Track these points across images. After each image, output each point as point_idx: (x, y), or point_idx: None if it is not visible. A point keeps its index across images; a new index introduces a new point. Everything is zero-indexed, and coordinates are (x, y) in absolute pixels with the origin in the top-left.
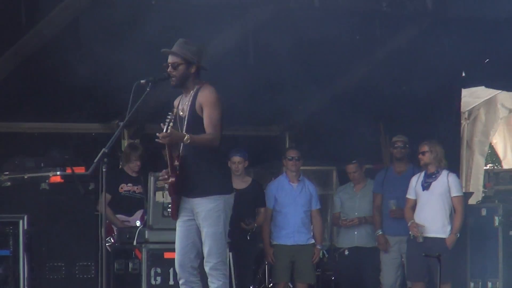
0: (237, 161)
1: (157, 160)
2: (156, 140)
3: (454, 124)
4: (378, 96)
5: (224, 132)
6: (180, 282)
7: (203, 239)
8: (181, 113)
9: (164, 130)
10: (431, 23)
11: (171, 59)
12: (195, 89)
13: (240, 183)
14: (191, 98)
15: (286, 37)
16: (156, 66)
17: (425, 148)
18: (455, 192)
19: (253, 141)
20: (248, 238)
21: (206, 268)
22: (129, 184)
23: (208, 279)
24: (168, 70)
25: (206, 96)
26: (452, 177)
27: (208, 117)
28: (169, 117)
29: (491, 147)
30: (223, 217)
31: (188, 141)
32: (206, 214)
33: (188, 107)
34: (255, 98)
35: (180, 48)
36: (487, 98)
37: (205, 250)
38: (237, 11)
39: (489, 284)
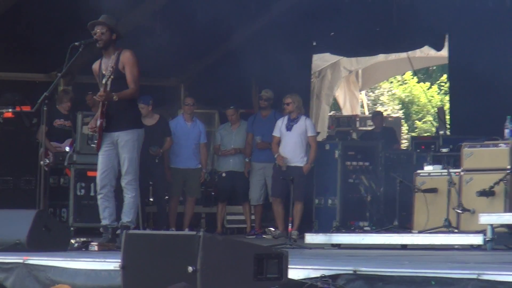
0: (141, 107)
1: (83, 102)
2: (94, 97)
3: (306, 81)
4: (253, 58)
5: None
6: (100, 196)
7: (121, 162)
8: (104, 72)
9: (101, 91)
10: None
11: (98, 28)
12: (116, 53)
13: (150, 120)
14: (114, 59)
15: (187, 11)
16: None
17: (289, 100)
18: (310, 133)
19: (157, 89)
20: (156, 161)
21: (123, 183)
22: (61, 119)
23: (124, 192)
24: (96, 35)
25: (128, 58)
26: (309, 121)
27: (130, 74)
28: (104, 79)
29: (335, 98)
30: (137, 145)
31: (116, 99)
32: (125, 143)
33: (113, 67)
34: (159, 55)
35: (105, 20)
36: (332, 61)
37: (123, 170)
38: None
39: (329, 200)
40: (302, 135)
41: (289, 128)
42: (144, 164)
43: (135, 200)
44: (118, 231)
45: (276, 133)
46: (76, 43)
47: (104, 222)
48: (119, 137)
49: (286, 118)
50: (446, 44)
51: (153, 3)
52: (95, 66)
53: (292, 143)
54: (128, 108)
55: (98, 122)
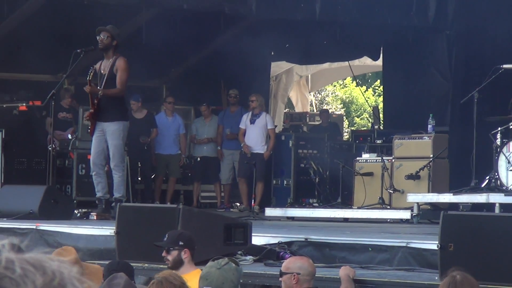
0: (132, 103)
1: (85, 96)
2: (84, 88)
3: (266, 83)
4: (222, 64)
5: (130, 83)
6: (93, 173)
7: (109, 148)
8: (103, 71)
9: (89, 85)
10: (250, 25)
11: (103, 33)
12: (113, 58)
13: (140, 114)
14: (111, 63)
15: (169, 26)
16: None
17: (253, 98)
18: (270, 126)
19: (144, 89)
20: (145, 148)
21: (112, 166)
22: (63, 112)
23: (113, 173)
24: (100, 39)
25: (121, 64)
26: (268, 116)
27: (120, 78)
28: (91, 73)
29: (289, 98)
30: (122, 135)
31: (101, 94)
32: (112, 133)
33: (108, 68)
34: (147, 62)
35: (110, 28)
36: (287, 68)
37: (111, 155)
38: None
39: (285, 181)
40: (263, 127)
41: (252, 122)
42: (135, 149)
43: (123, 179)
44: (113, 204)
45: (242, 126)
46: (78, 50)
47: (98, 194)
48: (107, 127)
49: (250, 113)
50: (381, 54)
51: (141, 19)
52: (97, 65)
53: (255, 134)
54: (116, 103)
55: (89, 112)
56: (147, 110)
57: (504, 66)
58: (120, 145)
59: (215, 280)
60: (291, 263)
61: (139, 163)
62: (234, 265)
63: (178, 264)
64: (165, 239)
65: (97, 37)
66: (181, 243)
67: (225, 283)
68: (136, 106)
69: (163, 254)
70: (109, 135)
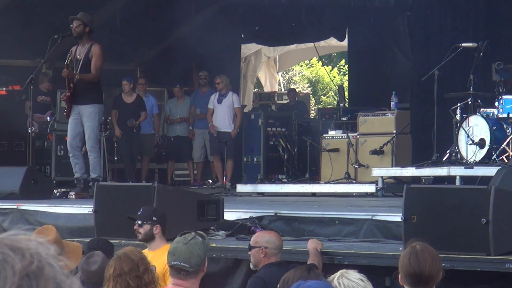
0: (125, 83)
1: (63, 80)
2: (62, 72)
3: (236, 65)
4: (194, 46)
5: (105, 67)
6: (70, 155)
7: (85, 130)
8: (78, 56)
9: (69, 70)
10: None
11: (75, 22)
12: (89, 44)
13: (130, 98)
14: (86, 49)
15: (141, 11)
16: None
17: (218, 80)
18: (236, 104)
19: (119, 72)
20: (135, 130)
21: (87, 147)
22: (42, 96)
23: (88, 154)
24: (73, 27)
25: (96, 50)
26: (235, 96)
27: (94, 64)
28: (69, 57)
29: (258, 79)
30: (97, 117)
31: (78, 77)
32: (88, 115)
33: (84, 54)
34: (121, 46)
35: (81, 16)
36: (256, 50)
37: (86, 136)
38: None
39: (255, 158)
40: (230, 107)
41: (219, 101)
42: (124, 132)
43: (98, 160)
44: (90, 183)
45: (210, 106)
46: (55, 36)
47: (76, 175)
48: (83, 109)
49: (217, 93)
50: (347, 35)
51: (116, 4)
52: (73, 49)
53: (222, 113)
54: (91, 87)
55: (66, 95)
56: (136, 94)
57: (463, 44)
58: (95, 126)
59: (182, 255)
60: (259, 237)
61: (127, 145)
62: (200, 238)
63: (148, 238)
64: (139, 213)
65: (70, 26)
66: (154, 218)
67: (191, 258)
68: (128, 87)
69: (135, 227)
70: (85, 117)
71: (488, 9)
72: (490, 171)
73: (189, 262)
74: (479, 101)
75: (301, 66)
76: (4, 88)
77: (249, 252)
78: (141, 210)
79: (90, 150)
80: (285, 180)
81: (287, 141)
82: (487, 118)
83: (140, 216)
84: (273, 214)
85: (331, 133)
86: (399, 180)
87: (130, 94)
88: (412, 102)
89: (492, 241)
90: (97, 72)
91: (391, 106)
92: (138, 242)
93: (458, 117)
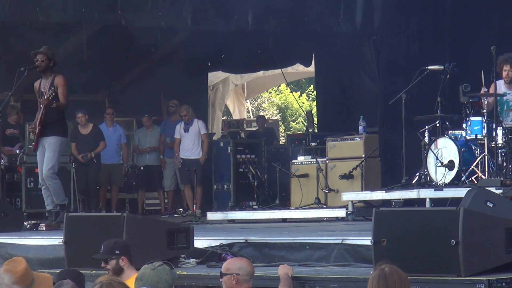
0: (80, 116)
1: (31, 113)
2: (39, 101)
3: (204, 93)
4: (161, 76)
5: (73, 98)
6: (42, 187)
7: (45, 159)
8: (43, 90)
9: (45, 98)
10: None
11: (39, 56)
12: (52, 76)
13: (86, 130)
14: (50, 81)
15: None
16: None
17: (184, 112)
18: (203, 131)
19: (87, 103)
20: (95, 161)
21: (45, 175)
22: (11, 129)
23: (47, 182)
24: (37, 62)
25: (60, 80)
26: (201, 122)
27: (62, 92)
28: (48, 92)
29: (226, 106)
30: (59, 149)
31: (55, 106)
32: (49, 145)
33: (48, 86)
34: (88, 77)
35: (45, 51)
36: (223, 77)
37: (45, 165)
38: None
39: (225, 185)
40: (197, 134)
41: (186, 130)
42: (83, 163)
43: (58, 185)
44: (58, 209)
45: (177, 135)
46: (22, 68)
47: (48, 208)
48: (46, 140)
49: (182, 123)
50: (313, 61)
51: (82, 36)
52: (36, 84)
53: (190, 141)
54: (56, 120)
55: (37, 129)
56: (93, 124)
57: (430, 67)
58: (54, 157)
59: (150, 280)
60: (230, 264)
61: (86, 175)
62: (167, 267)
63: (118, 272)
64: (102, 250)
65: (34, 60)
66: (117, 251)
67: (159, 282)
68: (83, 119)
69: (102, 265)
70: (46, 147)
71: (453, 31)
72: (460, 192)
73: (157, 287)
74: (447, 123)
75: (270, 92)
76: None
77: (221, 279)
78: (102, 247)
79: (47, 178)
80: (255, 206)
81: (257, 167)
82: (455, 140)
83: (102, 254)
84: (243, 240)
85: (300, 158)
86: (369, 204)
87: (86, 126)
88: (381, 126)
89: (462, 262)
90: (66, 100)
91: (359, 130)
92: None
93: (426, 139)
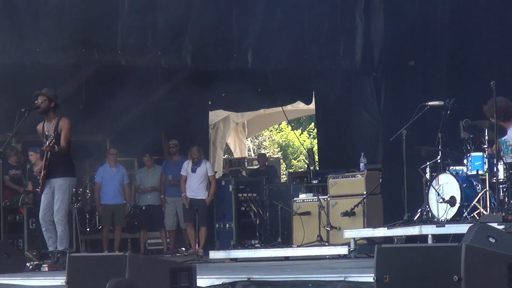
0: (30, 154)
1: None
2: (43, 148)
3: (205, 132)
4: (162, 116)
5: (75, 138)
6: (43, 229)
7: (55, 202)
8: (47, 133)
9: (48, 144)
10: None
11: (40, 97)
12: (56, 119)
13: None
14: (54, 124)
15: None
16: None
17: (195, 155)
18: (210, 173)
19: (88, 143)
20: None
21: (55, 219)
22: (13, 170)
23: (56, 226)
24: (38, 103)
25: (65, 124)
26: (208, 164)
27: (64, 136)
28: (50, 137)
29: (227, 145)
30: (69, 190)
31: (57, 149)
32: (59, 187)
33: (53, 129)
34: (89, 118)
35: (46, 92)
36: (224, 116)
37: (55, 208)
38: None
39: (227, 224)
40: (204, 175)
41: (194, 170)
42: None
43: (66, 232)
44: (58, 255)
45: (183, 173)
46: (22, 109)
47: (50, 249)
48: (55, 182)
49: (191, 161)
50: (313, 98)
51: (82, 77)
52: (39, 127)
53: (196, 181)
54: (63, 161)
55: (42, 173)
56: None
57: (430, 103)
58: (65, 199)
59: None
60: None
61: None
62: None
63: None
64: None
65: (35, 101)
66: None
67: None
68: (35, 157)
69: None
70: (56, 190)
71: (452, 67)
72: (462, 228)
73: None
74: (448, 159)
75: (271, 131)
76: None
77: None
78: (108, 285)
79: (58, 222)
80: (258, 245)
81: (259, 206)
82: (456, 175)
83: None
84: (246, 279)
85: (302, 196)
86: (371, 241)
87: (38, 165)
88: (382, 163)
89: None
90: (67, 144)
91: (360, 167)
92: None
93: (427, 175)
